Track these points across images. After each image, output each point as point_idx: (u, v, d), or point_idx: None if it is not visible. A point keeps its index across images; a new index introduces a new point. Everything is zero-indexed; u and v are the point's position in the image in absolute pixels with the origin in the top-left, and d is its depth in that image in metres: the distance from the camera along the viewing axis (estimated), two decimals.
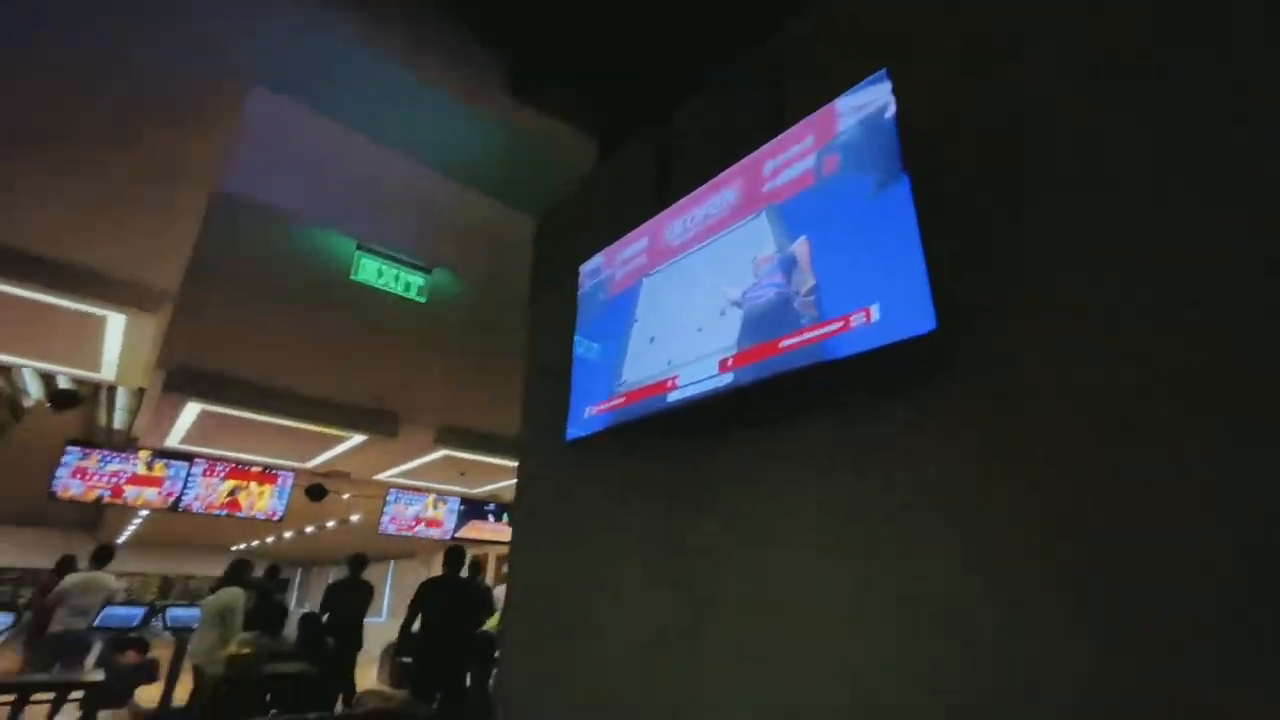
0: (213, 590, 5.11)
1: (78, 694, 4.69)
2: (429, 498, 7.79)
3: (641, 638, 1.87)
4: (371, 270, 2.46)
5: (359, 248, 2.45)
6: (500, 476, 6.81)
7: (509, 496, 8.22)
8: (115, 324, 4.01)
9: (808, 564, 1.43)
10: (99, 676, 4.35)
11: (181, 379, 4.14)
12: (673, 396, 1.66)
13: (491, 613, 4.93)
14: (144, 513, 11.26)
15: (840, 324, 1.29)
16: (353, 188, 2.40)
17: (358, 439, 5.21)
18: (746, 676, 1.49)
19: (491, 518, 8.39)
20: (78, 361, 4.68)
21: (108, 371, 4.75)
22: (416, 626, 4.43)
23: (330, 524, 12.27)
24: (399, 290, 2.54)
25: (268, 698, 4.09)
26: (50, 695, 4.50)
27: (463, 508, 8.07)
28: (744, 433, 1.64)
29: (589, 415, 2.00)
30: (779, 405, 1.53)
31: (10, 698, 3.99)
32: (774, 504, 1.54)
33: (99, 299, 3.55)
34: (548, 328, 2.65)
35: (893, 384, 1.32)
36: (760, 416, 1.59)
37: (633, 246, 2.01)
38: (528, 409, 2.66)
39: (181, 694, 5.18)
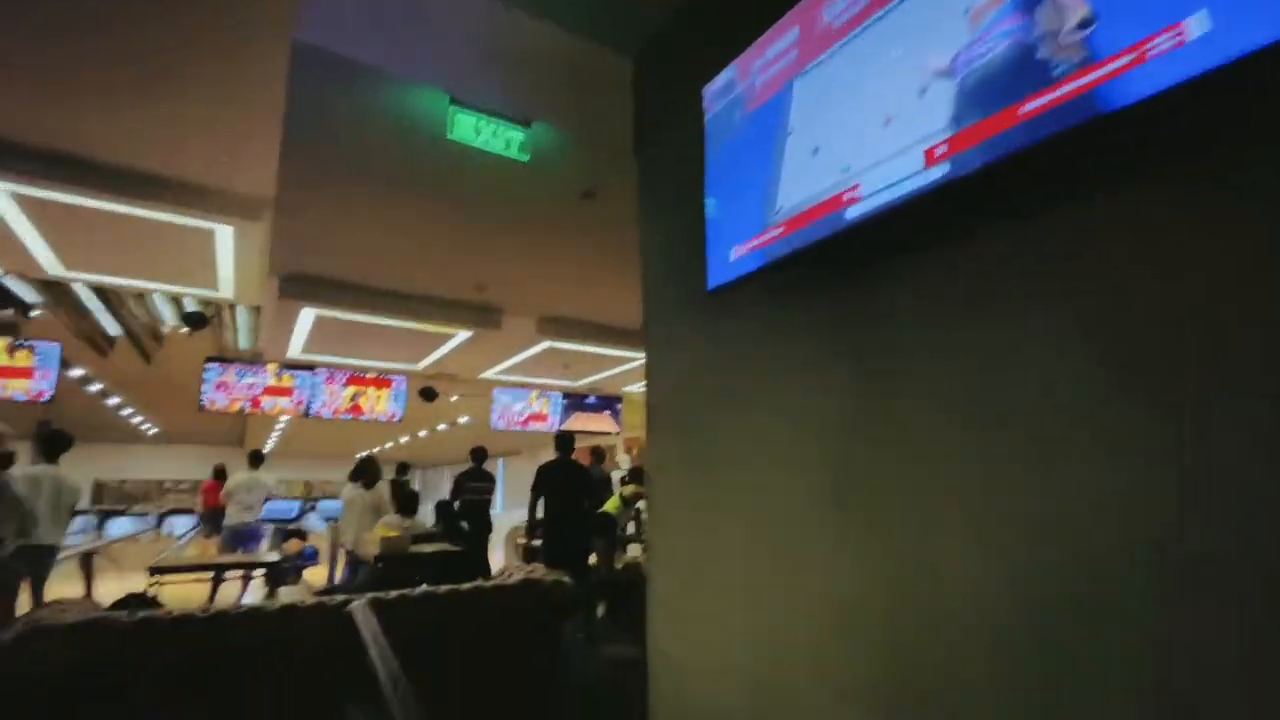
0: (351, 479, 5.60)
1: (259, 572, 5.38)
2: (532, 394, 8.01)
3: (815, 514, 1.70)
4: (468, 127, 2.23)
5: (452, 102, 2.21)
6: (603, 366, 6.81)
7: (611, 388, 8.31)
8: (223, 237, 4.08)
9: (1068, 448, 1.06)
10: (276, 557, 4.92)
11: (293, 286, 4.23)
12: (854, 211, 1.36)
13: (610, 495, 5.07)
14: (280, 425, 12.47)
15: (1130, 56, 0.93)
16: (437, 34, 2.13)
17: (462, 335, 5.26)
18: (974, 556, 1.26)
19: (594, 410, 8.59)
20: (198, 281, 4.86)
21: (225, 289, 4.93)
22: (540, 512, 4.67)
23: (441, 427, 13.13)
24: (498, 148, 2.31)
25: (415, 576, 4.50)
26: (239, 573, 5.16)
27: (565, 401, 8.27)
28: (955, 251, 1.31)
29: (735, 257, 1.75)
30: (1014, 202, 1.20)
31: (209, 575, 4.67)
32: (997, 357, 1.20)
33: (201, 210, 3.57)
34: (663, 172, 2.36)
35: (1204, 147, 0.96)
36: (982, 221, 1.25)
37: (776, 44, 1.65)
38: (650, 269, 2.44)
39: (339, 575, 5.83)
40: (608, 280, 4.41)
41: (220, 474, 8.39)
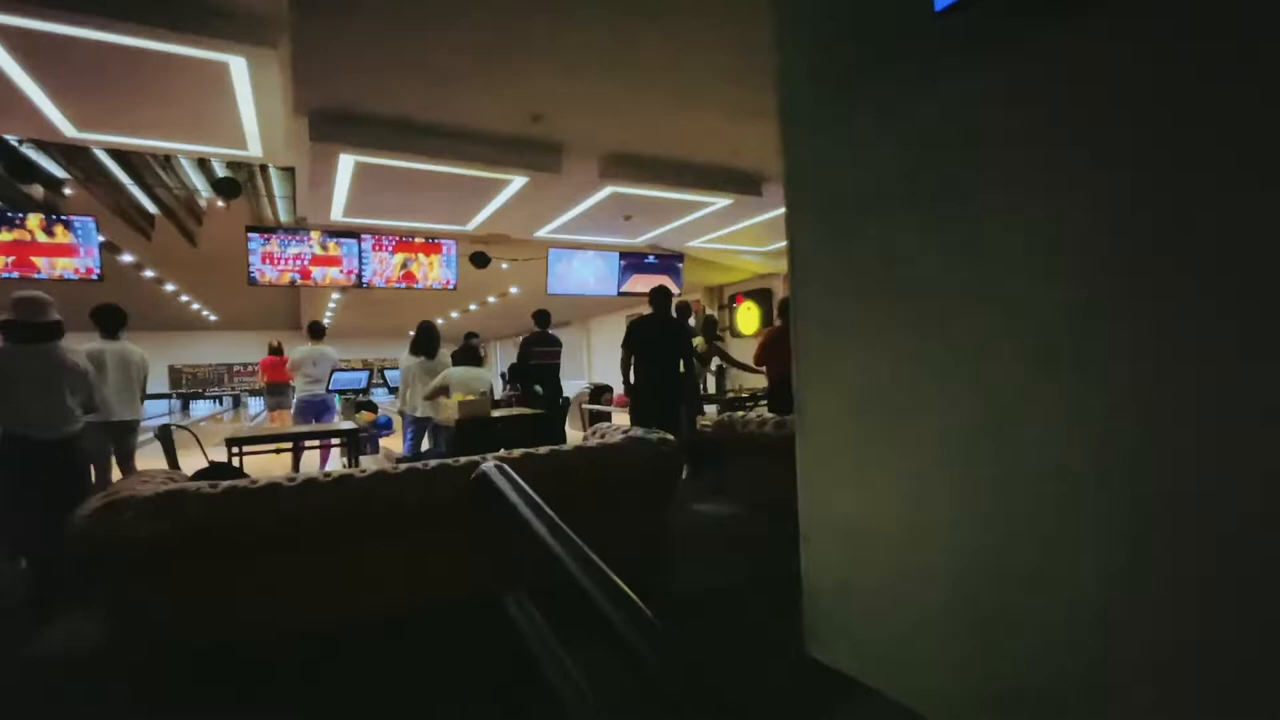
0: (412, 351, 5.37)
1: (337, 442, 5.36)
2: (589, 255, 7.47)
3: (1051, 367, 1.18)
4: None
5: None
6: (668, 217, 6.15)
7: (672, 244, 7.68)
8: (239, 73, 3.48)
9: None
10: (351, 427, 4.82)
11: (325, 125, 3.65)
12: None
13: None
14: (333, 303, 12.41)
15: None
16: None
17: (518, 182, 4.66)
18: None
19: (654, 270, 8.03)
20: (222, 138, 4.32)
21: (253, 145, 4.39)
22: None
23: (491, 300, 12.86)
24: None
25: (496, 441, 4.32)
26: (317, 443, 5.12)
27: (624, 262, 7.73)
28: None
29: None
30: None
31: (289, 445, 4.61)
32: None
33: (205, 36, 2.94)
34: None
35: None
36: None
37: None
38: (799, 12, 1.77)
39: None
40: (684, 104, 3.67)
41: (276, 350, 8.43)
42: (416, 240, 6.41)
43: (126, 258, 8.60)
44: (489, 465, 1.40)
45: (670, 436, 2.92)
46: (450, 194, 5.03)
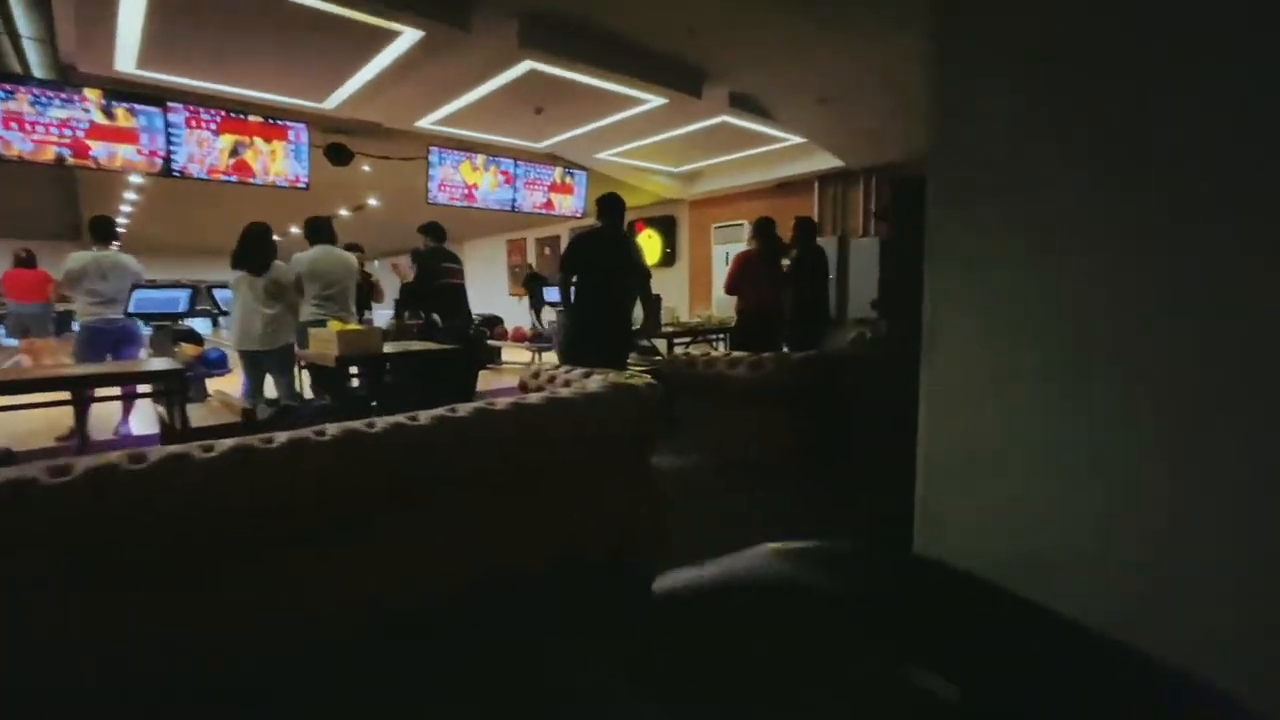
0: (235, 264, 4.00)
1: (146, 389, 3.96)
2: (479, 158, 6.26)
3: None
4: None
5: None
6: (586, 115, 5.17)
7: (575, 154, 6.67)
8: None
9: None
10: (164, 365, 3.47)
11: None
12: None
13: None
14: (131, 201, 9.74)
15: None
16: None
17: (404, 39, 3.47)
18: None
19: (555, 186, 6.99)
20: None
21: None
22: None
23: (344, 212, 10.87)
24: None
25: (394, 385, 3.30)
26: (114, 391, 3.70)
27: (519, 169, 6.61)
28: None
29: None
30: None
31: (65, 395, 3.15)
32: None
33: None
34: None
35: None
36: None
37: None
38: None
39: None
40: None
41: (27, 261, 6.32)
42: (251, 119, 4.85)
43: None
44: None
45: (651, 380, 2.23)
46: (304, 48, 3.68)
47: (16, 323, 6.19)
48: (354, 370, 3.67)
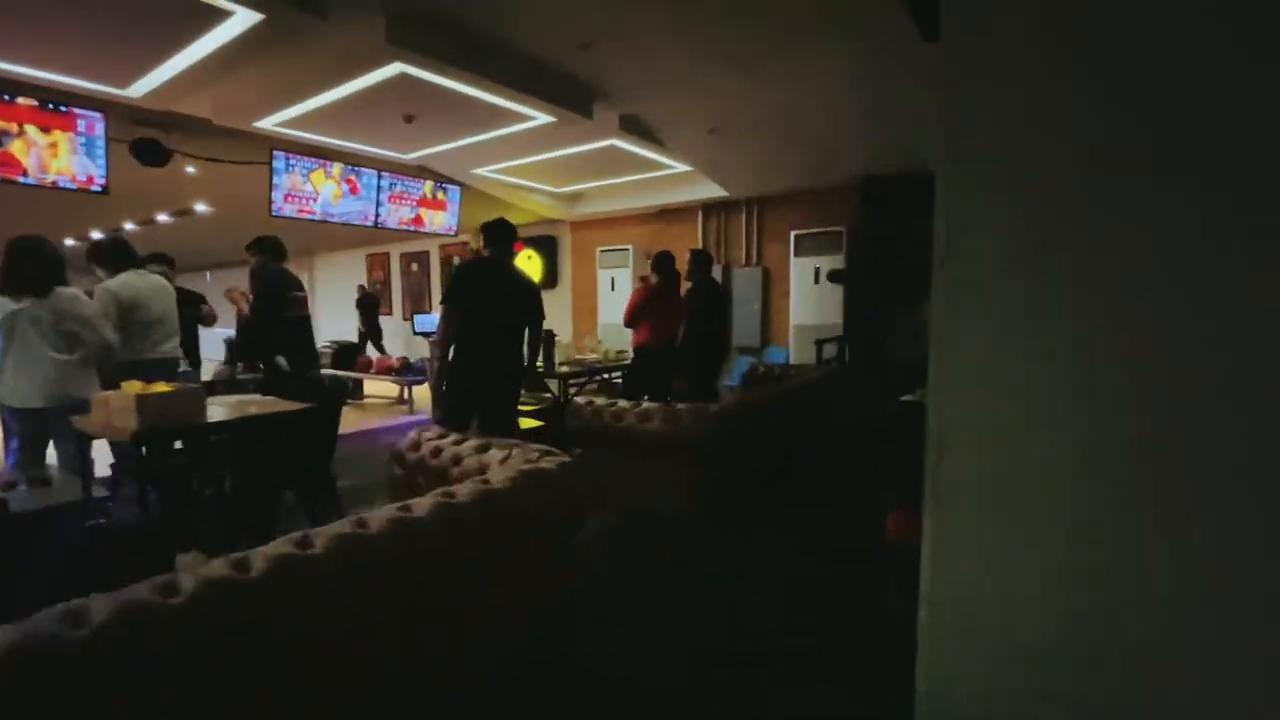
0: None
1: None
2: (334, 166, 5.49)
3: None
4: None
5: None
6: (463, 129, 4.68)
7: (447, 168, 6.10)
8: None
9: None
10: None
11: None
12: None
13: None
14: None
15: None
16: None
17: (239, 20, 2.84)
18: None
19: (425, 200, 6.33)
20: None
21: None
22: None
23: (163, 217, 9.21)
24: None
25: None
26: None
27: (383, 182, 5.90)
28: None
29: None
30: None
31: None
32: None
33: None
34: None
35: None
36: None
37: None
38: None
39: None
40: None
41: None
42: (21, 103, 3.80)
43: None
44: None
45: (563, 459, 1.87)
46: (98, 18, 2.88)
47: None
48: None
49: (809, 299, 6.14)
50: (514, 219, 8.80)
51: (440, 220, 6.66)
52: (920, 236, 1.26)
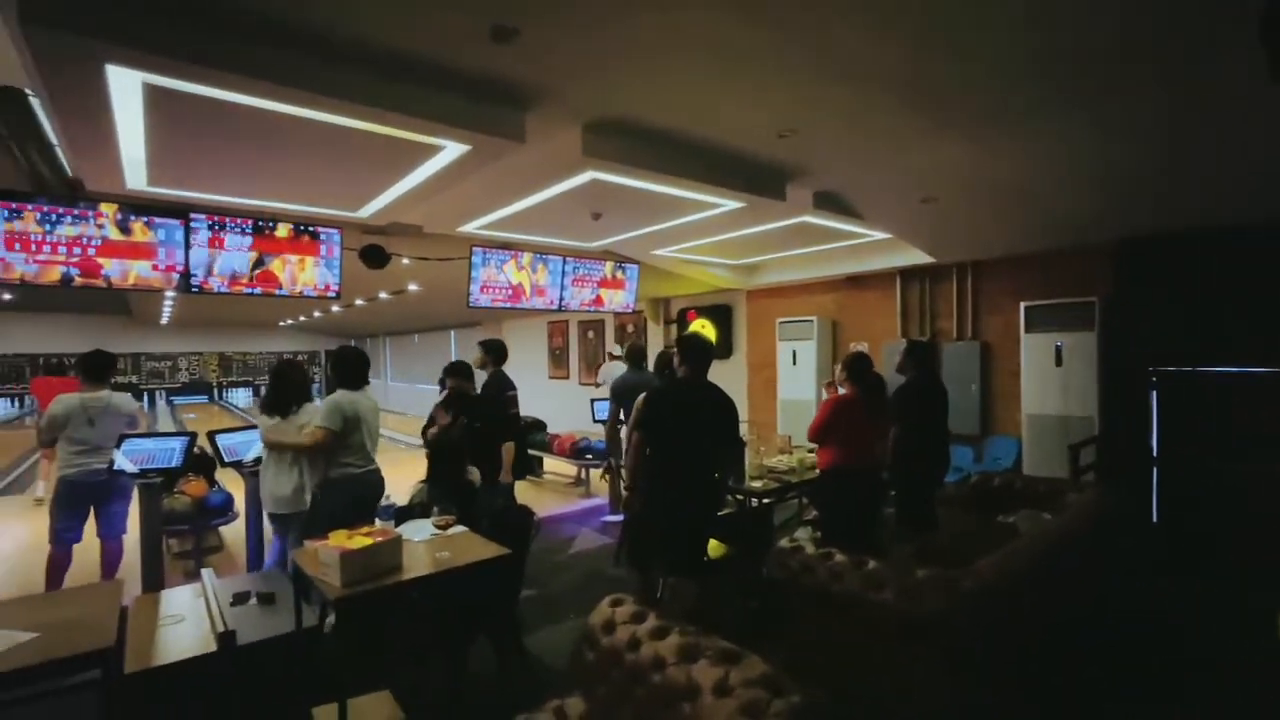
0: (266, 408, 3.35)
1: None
2: (525, 257, 5.72)
3: None
4: None
5: None
6: (650, 218, 4.57)
7: (632, 250, 6.08)
8: None
9: None
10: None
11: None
12: None
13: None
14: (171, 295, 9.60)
15: None
16: None
17: (449, 152, 2.91)
18: None
19: (605, 280, 6.40)
20: None
21: None
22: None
23: (384, 295, 10.59)
24: None
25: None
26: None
27: (567, 267, 6.05)
28: None
29: None
30: None
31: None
32: None
33: None
34: None
35: None
36: None
37: None
38: None
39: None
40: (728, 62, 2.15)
41: (55, 368, 5.96)
42: (279, 232, 4.39)
43: None
44: None
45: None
46: (334, 164, 3.17)
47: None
48: None
49: (1049, 383, 5.02)
50: (687, 289, 8.77)
51: (619, 299, 6.69)
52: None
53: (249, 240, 4.29)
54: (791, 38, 2.13)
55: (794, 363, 7.07)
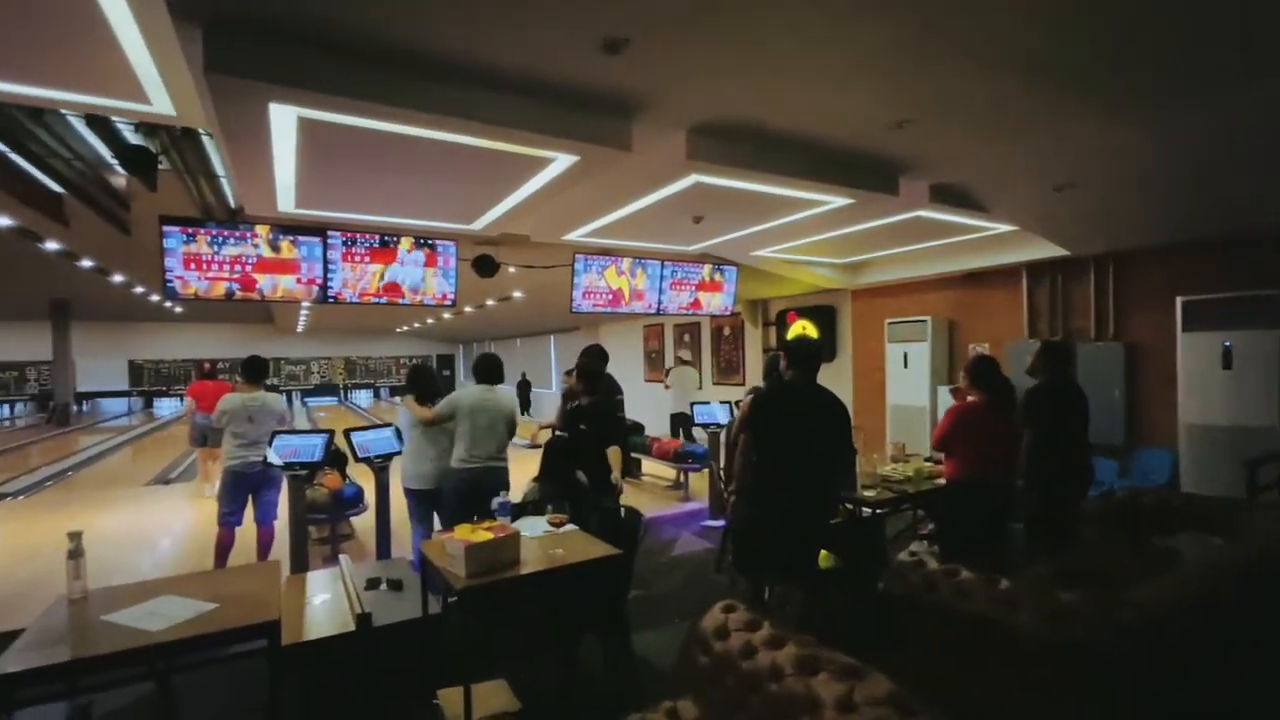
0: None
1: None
2: (624, 262, 5.82)
3: None
4: None
5: None
6: (752, 219, 4.50)
7: (732, 252, 6.02)
8: None
9: None
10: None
11: (225, 43, 2.00)
12: None
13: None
14: (307, 304, 10.66)
15: None
16: None
17: (559, 164, 3.02)
18: None
19: (702, 284, 6.39)
20: (111, 86, 2.65)
21: (158, 98, 2.70)
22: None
23: (490, 302, 11.17)
24: None
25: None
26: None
27: (665, 271, 6.09)
28: None
29: None
30: None
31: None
32: None
33: None
34: None
35: None
36: None
37: None
38: None
39: None
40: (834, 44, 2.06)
41: (210, 374, 6.82)
42: (401, 246, 4.75)
43: (51, 245, 6.98)
44: None
45: None
46: (451, 180, 3.38)
47: (198, 431, 6.58)
48: None
49: (1215, 388, 4.41)
50: (781, 290, 8.54)
51: (717, 302, 6.64)
52: None
53: (373, 258, 4.69)
54: (931, 23, 2.03)
55: (905, 366, 6.70)
